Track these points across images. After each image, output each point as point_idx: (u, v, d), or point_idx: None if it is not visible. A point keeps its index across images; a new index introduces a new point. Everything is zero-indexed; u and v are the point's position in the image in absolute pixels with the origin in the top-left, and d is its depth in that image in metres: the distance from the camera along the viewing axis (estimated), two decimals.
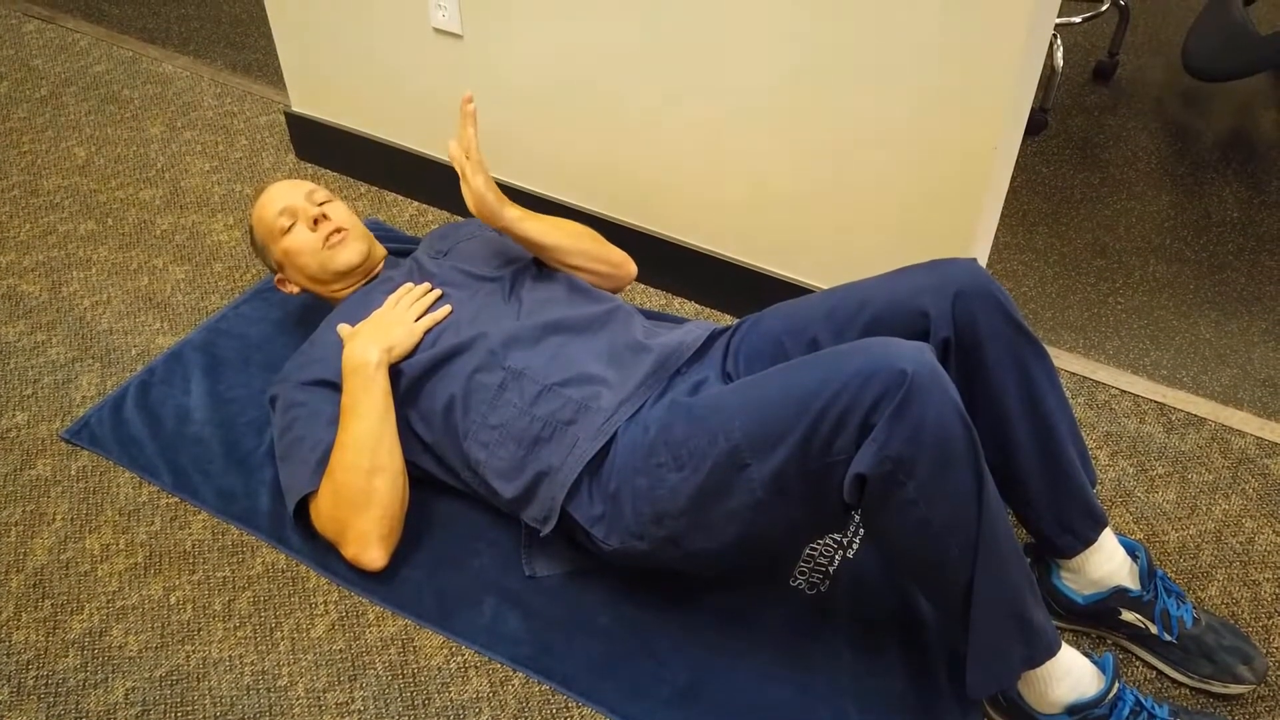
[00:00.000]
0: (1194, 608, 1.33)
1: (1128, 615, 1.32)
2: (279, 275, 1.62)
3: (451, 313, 1.46)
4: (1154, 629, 1.31)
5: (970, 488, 1.09)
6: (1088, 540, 1.31)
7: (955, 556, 1.11)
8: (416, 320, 1.44)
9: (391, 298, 1.48)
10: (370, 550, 1.38)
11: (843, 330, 1.31)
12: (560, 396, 1.34)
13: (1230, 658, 1.29)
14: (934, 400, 1.07)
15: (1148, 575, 1.32)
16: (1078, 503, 1.30)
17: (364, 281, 1.59)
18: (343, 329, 1.46)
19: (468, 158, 1.41)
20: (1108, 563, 1.32)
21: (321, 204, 1.58)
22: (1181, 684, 1.31)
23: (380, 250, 1.63)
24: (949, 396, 1.08)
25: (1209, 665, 1.30)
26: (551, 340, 1.40)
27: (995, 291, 1.25)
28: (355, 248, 1.55)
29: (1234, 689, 1.29)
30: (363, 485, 1.35)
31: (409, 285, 1.50)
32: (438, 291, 1.49)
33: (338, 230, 1.55)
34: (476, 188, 1.41)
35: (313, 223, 1.55)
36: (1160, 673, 1.33)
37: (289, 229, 1.55)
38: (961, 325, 1.25)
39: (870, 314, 1.30)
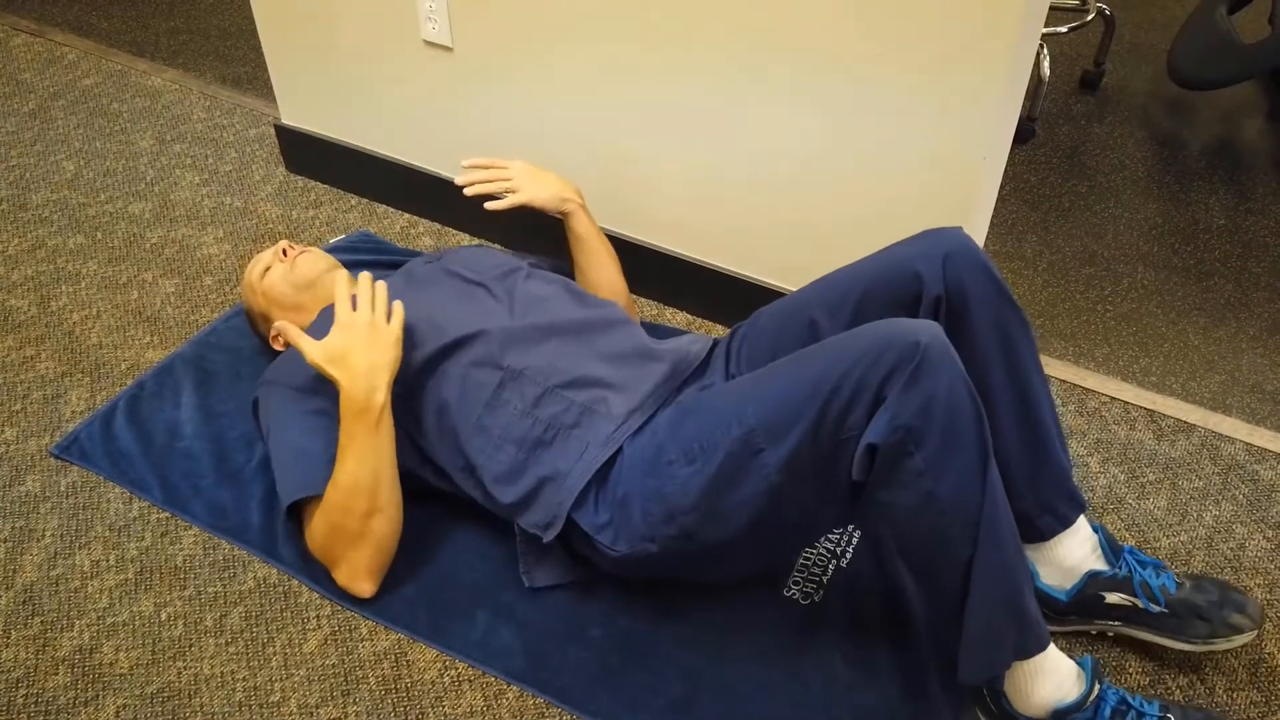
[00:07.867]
0: (1174, 575, 1.34)
1: (1112, 597, 1.32)
2: (272, 334, 1.60)
3: (428, 305, 1.43)
4: (1140, 603, 1.31)
5: (976, 463, 1.11)
6: (1067, 522, 1.32)
7: (958, 533, 1.13)
8: (389, 323, 1.34)
9: (344, 310, 1.33)
10: (359, 582, 1.39)
11: (839, 304, 1.32)
12: (563, 399, 1.34)
13: (1223, 610, 1.29)
14: (946, 372, 1.09)
15: (1112, 552, 1.33)
16: (1058, 481, 1.31)
17: None
18: (311, 352, 1.32)
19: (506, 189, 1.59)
20: (1080, 548, 1.33)
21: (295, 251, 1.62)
22: (1187, 653, 1.31)
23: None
24: (959, 371, 1.10)
25: (1204, 625, 1.29)
26: (551, 342, 1.40)
27: (983, 258, 1.27)
28: (316, 254, 1.59)
29: (1237, 640, 1.28)
30: (358, 527, 1.34)
31: (348, 292, 1.36)
32: (367, 275, 1.38)
33: (302, 252, 1.59)
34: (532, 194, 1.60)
35: (282, 254, 1.59)
36: (1163, 648, 1.33)
37: (264, 275, 1.59)
38: (951, 287, 1.26)
39: (864, 285, 1.31)
